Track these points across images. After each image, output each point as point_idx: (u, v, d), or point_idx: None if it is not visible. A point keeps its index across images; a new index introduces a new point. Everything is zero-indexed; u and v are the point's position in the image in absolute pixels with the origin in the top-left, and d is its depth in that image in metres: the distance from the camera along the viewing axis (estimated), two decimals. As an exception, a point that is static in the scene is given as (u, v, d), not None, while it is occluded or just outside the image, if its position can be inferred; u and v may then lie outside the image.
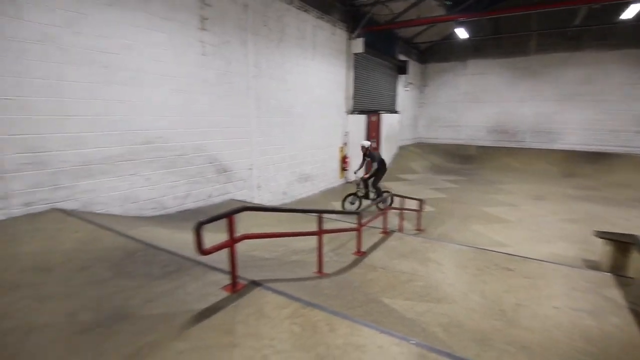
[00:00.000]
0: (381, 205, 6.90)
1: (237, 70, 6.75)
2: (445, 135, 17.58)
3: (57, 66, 4.35)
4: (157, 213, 5.58)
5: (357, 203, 8.28)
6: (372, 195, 8.32)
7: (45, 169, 4.34)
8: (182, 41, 5.69)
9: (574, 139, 14.60)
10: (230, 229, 2.30)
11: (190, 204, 6.09)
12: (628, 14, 9.90)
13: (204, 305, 2.16)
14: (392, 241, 4.78)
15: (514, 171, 14.43)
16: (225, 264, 2.66)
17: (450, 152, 16.93)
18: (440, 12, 10.91)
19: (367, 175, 8.10)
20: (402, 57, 14.29)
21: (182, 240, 3.67)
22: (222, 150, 6.60)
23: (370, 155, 8.11)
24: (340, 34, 10.16)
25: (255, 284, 2.41)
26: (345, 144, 11.05)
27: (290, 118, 8.44)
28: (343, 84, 10.63)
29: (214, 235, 2.77)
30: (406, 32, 14.08)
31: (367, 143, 8.13)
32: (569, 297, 3.41)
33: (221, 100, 6.49)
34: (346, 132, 11.03)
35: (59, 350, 1.79)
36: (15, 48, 3.98)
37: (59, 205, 4.43)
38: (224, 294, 2.30)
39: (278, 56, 7.80)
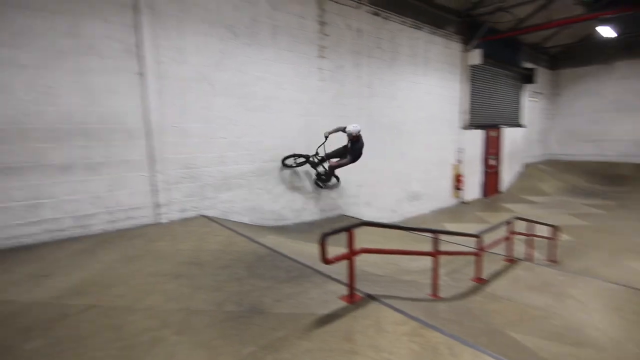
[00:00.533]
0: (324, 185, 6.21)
1: (350, 92, 7.12)
2: (584, 152, 14.88)
3: (207, 98, 5.32)
4: (277, 224, 6.18)
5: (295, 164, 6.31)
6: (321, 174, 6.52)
7: (196, 182, 5.29)
8: (304, 70, 6.32)
9: None
10: (350, 242, 2.44)
11: (305, 217, 6.57)
12: None
13: (325, 311, 2.32)
14: (518, 270, 4.27)
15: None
16: (340, 275, 2.82)
17: (592, 171, 14.22)
18: (576, 11, 9.52)
19: (339, 163, 6.13)
20: (527, 65, 12.85)
21: (301, 249, 4.00)
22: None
23: (358, 143, 5.99)
24: (455, 46, 9.76)
25: (371, 297, 2.48)
26: (459, 161, 10.39)
27: (400, 135, 8.41)
28: (457, 98, 10.11)
29: (329, 248, 2.97)
30: (532, 38, 12.65)
31: (357, 128, 5.84)
32: None
33: (336, 120, 6.89)
34: (460, 148, 10.38)
35: (213, 333, 2.16)
36: (179, 86, 5.02)
37: (205, 212, 5.33)
38: (342, 303, 2.43)
39: (389, 75, 7.94)
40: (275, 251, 3.54)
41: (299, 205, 6.47)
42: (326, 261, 2.23)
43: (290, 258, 3.34)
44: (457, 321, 2.61)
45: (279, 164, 6.13)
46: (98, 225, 4.48)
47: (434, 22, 8.87)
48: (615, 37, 11.06)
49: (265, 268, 3.13)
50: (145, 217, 4.81)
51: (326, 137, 6.03)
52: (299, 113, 6.34)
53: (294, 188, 6.38)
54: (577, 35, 13.46)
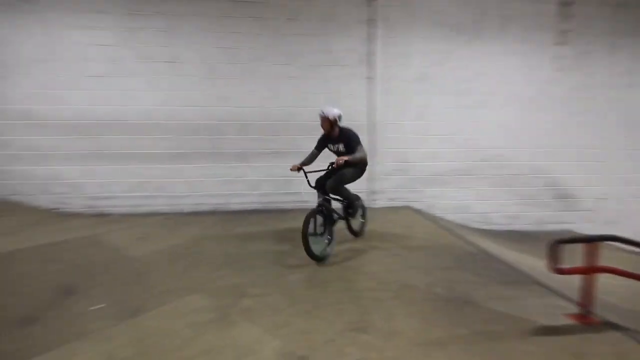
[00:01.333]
0: (355, 223, 3.83)
1: (598, 82, 5.78)
2: None
3: (426, 97, 5.58)
4: (482, 227, 5.84)
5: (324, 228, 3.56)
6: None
7: (406, 175, 5.70)
8: (534, 60, 5.63)
9: None
10: (592, 257, 2.13)
11: (518, 226, 5.91)
12: None
13: (547, 322, 2.15)
14: None
15: None
16: (567, 292, 2.50)
17: None
18: None
19: (343, 161, 3.39)
20: None
21: (514, 257, 3.71)
22: (566, 174, 5.90)
23: (345, 135, 3.72)
24: None
25: (612, 326, 2.10)
26: None
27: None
28: None
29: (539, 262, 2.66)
30: None
31: (333, 112, 3.65)
32: None
33: (571, 117, 5.80)
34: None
35: (425, 307, 2.41)
36: (402, 87, 5.49)
37: (410, 204, 5.68)
38: (570, 321, 2.17)
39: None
40: (485, 252, 3.46)
41: (512, 212, 5.88)
42: (558, 271, 2.05)
43: (503, 262, 3.19)
44: None
45: (492, 163, 5.74)
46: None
47: None
48: None
49: (474, 265, 3.13)
50: (364, 200, 5.61)
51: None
52: (521, 108, 5.70)
53: (509, 192, 5.83)
54: None
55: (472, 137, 5.67)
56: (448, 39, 5.47)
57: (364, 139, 5.58)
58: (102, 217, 5.04)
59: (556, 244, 2.05)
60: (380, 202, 5.66)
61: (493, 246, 4.45)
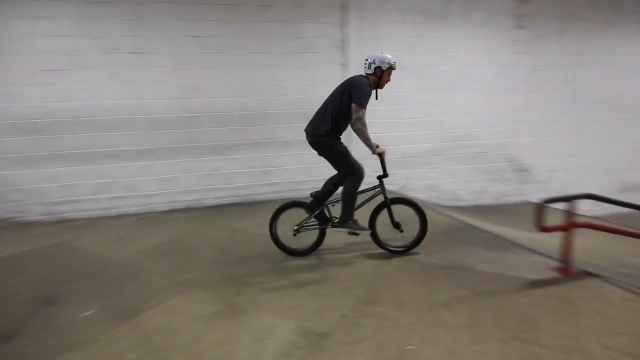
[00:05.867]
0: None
1: (550, 63, 6.28)
2: None
3: (397, 81, 5.71)
4: (453, 204, 6.17)
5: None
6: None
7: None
8: (495, 44, 5.98)
9: None
10: (571, 214, 2.36)
11: (484, 200, 6.32)
12: None
13: (535, 277, 2.37)
14: None
15: None
16: (546, 251, 2.75)
17: None
18: None
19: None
20: None
21: (491, 227, 3.99)
22: (523, 150, 6.38)
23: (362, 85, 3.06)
24: None
25: (590, 274, 2.36)
26: None
27: (617, 112, 6.86)
28: None
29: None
30: None
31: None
32: None
33: (528, 96, 6.27)
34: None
35: (425, 275, 2.55)
36: (374, 72, 5.61)
37: (387, 187, 5.85)
38: (554, 274, 2.41)
39: (605, 39, 6.54)
40: (467, 224, 3.69)
41: (478, 188, 6.27)
42: (543, 229, 2.26)
43: (485, 231, 3.43)
44: None
45: (460, 143, 6.07)
46: (307, 190, 5.54)
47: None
48: None
49: (460, 236, 3.34)
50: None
51: None
52: (487, 90, 6.07)
53: (475, 170, 6.21)
54: None
55: (441, 119, 5.95)
56: (417, 25, 5.65)
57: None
58: (66, 223, 4.68)
59: (541, 205, 2.25)
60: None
61: (470, 219, 4.75)
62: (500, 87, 6.11)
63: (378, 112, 5.84)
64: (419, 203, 3.14)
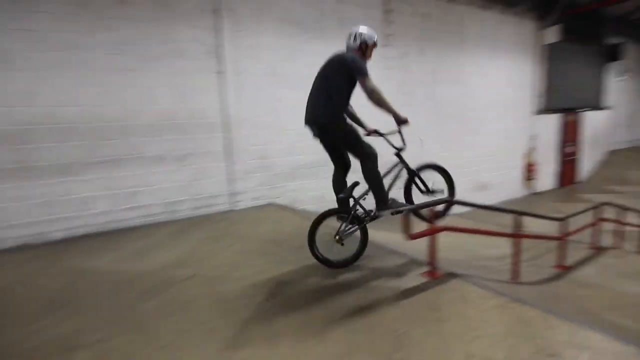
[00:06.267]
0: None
1: (415, 79, 7.01)
2: (685, 135, 12.92)
3: (278, 92, 5.62)
4: (342, 212, 6.33)
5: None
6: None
7: (268, 172, 5.64)
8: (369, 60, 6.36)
9: None
10: (432, 219, 2.48)
11: (367, 206, 6.62)
12: None
13: (407, 284, 2.41)
14: (607, 259, 3.95)
15: None
16: (417, 255, 2.87)
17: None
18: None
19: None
20: (613, 40, 11.46)
21: (370, 234, 4.08)
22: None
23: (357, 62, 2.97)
24: (528, 25, 9.07)
25: (453, 275, 2.51)
26: (532, 149, 9.68)
27: (468, 122, 8.08)
28: (530, 81, 9.40)
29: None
30: (619, 9, 11.21)
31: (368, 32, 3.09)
32: None
33: (400, 109, 6.83)
34: (533, 135, 9.65)
35: (305, 299, 2.36)
36: (254, 81, 5.38)
37: (274, 201, 5.66)
38: (423, 279, 2.49)
39: (455, 59, 7.66)
40: (349, 233, 3.69)
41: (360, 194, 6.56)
42: (411, 236, 2.30)
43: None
44: (548, 298, 2.53)
45: (344, 153, 6.26)
46: (184, 211, 4.99)
47: (504, 1, 8.33)
48: None
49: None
50: (223, 204, 5.25)
51: None
52: (364, 103, 6.39)
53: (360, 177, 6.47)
54: (678, 1, 11.65)
55: (324, 130, 6.04)
56: (295, 36, 5.63)
57: (219, 136, 5.30)
58: None
59: (407, 213, 2.29)
60: (245, 202, 5.44)
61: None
62: (375, 99, 6.56)
63: (262, 123, 5.67)
64: (440, 164, 3.18)
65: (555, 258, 3.80)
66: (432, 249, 2.49)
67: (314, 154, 5.98)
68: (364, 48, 2.99)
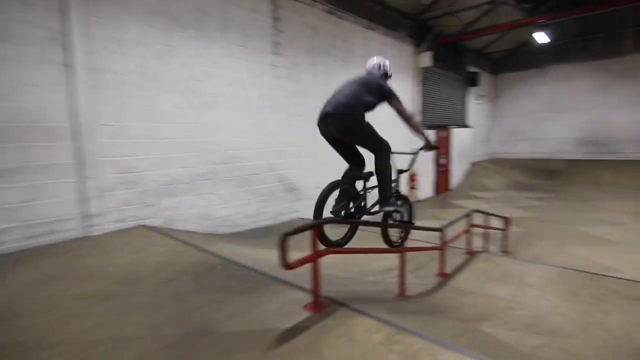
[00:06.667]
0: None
1: (307, 90, 6.88)
2: (523, 150, 16.01)
3: (150, 94, 4.78)
4: (230, 230, 5.72)
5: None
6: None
7: (136, 188, 4.71)
8: (257, 66, 5.97)
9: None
10: (314, 242, 2.15)
11: (260, 222, 6.17)
12: None
13: (287, 324, 2.00)
14: (479, 263, 4.26)
15: (610, 186, 12.49)
16: (303, 281, 2.51)
17: (531, 167, 15.31)
18: (517, 17, 10.16)
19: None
20: (472, 69, 13.54)
21: (258, 256, 3.64)
22: (291, 169, 6.67)
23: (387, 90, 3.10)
24: (407, 49, 9.96)
25: (338, 303, 2.21)
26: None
27: (357, 135, 8.31)
28: (410, 99, 10.31)
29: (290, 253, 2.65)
30: (477, 43, 13.36)
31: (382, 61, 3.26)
32: None
33: (292, 120, 6.62)
34: (414, 148, 10.55)
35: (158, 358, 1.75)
36: (117, 80, 4.45)
37: (145, 222, 4.75)
38: (307, 313, 2.13)
39: (345, 74, 7.79)
40: (228, 260, 3.15)
41: (253, 210, 6.07)
42: (287, 266, 1.91)
43: (245, 266, 2.97)
44: (432, 321, 2.43)
45: (230, 165, 5.69)
46: (12, 242, 3.76)
47: (387, 24, 8.94)
48: (548, 43, 11.99)
49: (216, 279, 2.73)
50: (72, 230, 4.15)
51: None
52: (252, 111, 5.97)
53: (249, 192, 5.97)
54: (516, 42, 14.46)
55: (207, 140, 5.38)
56: (170, 32, 4.88)
57: (66, 145, 4.18)
58: None
59: (283, 238, 1.90)
60: (105, 226, 4.40)
61: (239, 249, 4.30)
62: (266, 108, 6.18)
63: (130, 131, 4.73)
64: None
65: (438, 266, 3.92)
66: (316, 278, 2.15)
67: (197, 166, 5.28)
68: (385, 77, 3.24)
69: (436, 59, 10.35)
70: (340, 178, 3.06)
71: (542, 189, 12.90)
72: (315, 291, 2.17)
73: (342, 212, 2.89)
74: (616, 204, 9.94)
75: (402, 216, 3.25)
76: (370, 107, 2.98)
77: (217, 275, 2.82)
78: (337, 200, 2.93)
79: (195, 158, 5.26)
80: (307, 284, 2.30)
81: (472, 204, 10.55)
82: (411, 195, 10.49)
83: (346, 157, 3.19)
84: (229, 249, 3.95)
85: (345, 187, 2.96)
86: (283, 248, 1.88)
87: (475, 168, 14.66)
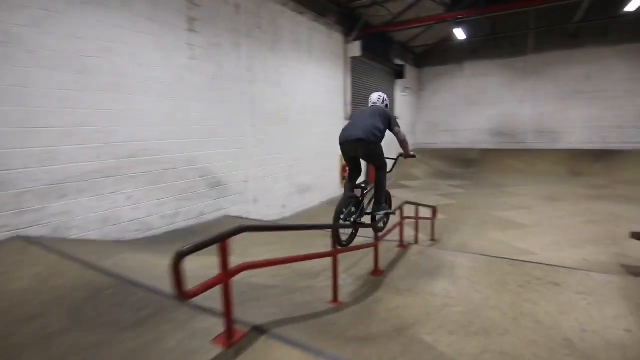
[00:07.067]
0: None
1: (230, 75, 6.22)
2: (445, 140, 17.11)
3: (21, 71, 3.78)
4: (142, 235, 4.94)
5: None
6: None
7: (8, 190, 3.72)
8: (169, 43, 5.16)
9: (577, 138, 14.16)
10: (224, 258, 1.69)
11: (180, 223, 5.45)
12: (631, 6, 9.57)
13: (190, 368, 1.54)
14: (412, 256, 4.18)
15: (519, 173, 13.94)
16: (217, 301, 2.05)
17: (452, 156, 16.43)
18: (439, 12, 10.55)
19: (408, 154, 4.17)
20: (398, 62, 13.91)
21: (164, 269, 3.04)
22: (215, 162, 6.01)
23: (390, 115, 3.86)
24: (337, 37, 9.73)
25: (258, 330, 1.80)
26: (345, 151, 10.50)
27: (287, 125, 7.89)
28: (341, 89, 10.16)
29: (205, 260, 2.17)
30: (402, 36, 13.73)
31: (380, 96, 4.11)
32: (637, 316, 2.83)
33: (214, 107, 5.93)
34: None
35: None
36: (-34, 50, 3.40)
37: (25, 232, 3.80)
38: (217, 349, 1.68)
39: (273, 60, 7.29)
40: (121, 278, 2.52)
41: (170, 210, 5.31)
42: (185, 295, 1.44)
43: (143, 286, 2.38)
44: (369, 337, 2.15)
45: (139, 159, 4.87)
46: None
47: (316, 9, 8.56)
48: (465, 40, 12.80)
49: (100, 309, 2.12)
50: None
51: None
52: (165, 96, 5.16)
53: (164, 189, 5.20)
54: (437, 37, 15.19)
55: (107, 129, 4.49)
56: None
57: None
58: None
59: (177, 259, 1.41)
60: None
61: (148, 260, 3.63)
62: (183, 93, 5.41)
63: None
64: None
65: (371, 262, 3.72)
66: (227, 303, 1.71)
67: (93, 160, 4.36)
68: (386, 107, 4.02)
69: (365, 49, 10.31)
70: (347, 190, 3.80)
71: (462, 177, 13.88)
72: (228, 320, 1.72)
73: (352, 218, 3.60)
74: (524, 189, 11.04)
75: (386, 212, 4.06)
76: (384, 132, 3.73)
77: (102, 303, 2.19)
78: (347, 209, 3.60)
79: (90, 151, 4.36)
80: (221, 305, 1.85)
81: (401, 193, 10.88)
82: (343, 185, 10.42)
83: (353, 167, 3.96)
84: (133, 262, 3.28)
85: (356, 200, 3.73)
86: (177, 273, 1.40)
87: (402, 158, 15.24)
